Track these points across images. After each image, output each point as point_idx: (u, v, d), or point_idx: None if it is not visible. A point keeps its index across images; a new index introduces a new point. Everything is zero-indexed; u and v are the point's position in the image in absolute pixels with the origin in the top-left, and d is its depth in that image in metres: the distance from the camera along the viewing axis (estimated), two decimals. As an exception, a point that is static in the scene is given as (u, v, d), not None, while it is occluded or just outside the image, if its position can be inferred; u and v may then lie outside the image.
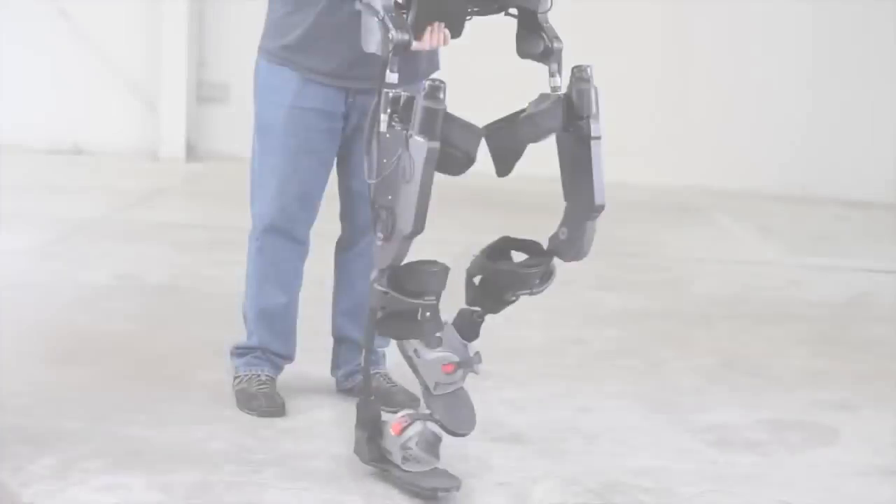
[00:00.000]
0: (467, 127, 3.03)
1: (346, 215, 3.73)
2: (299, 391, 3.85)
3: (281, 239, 3.66)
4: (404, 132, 2.98)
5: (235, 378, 3.77)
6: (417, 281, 3.10)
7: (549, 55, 3.13)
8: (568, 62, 3.14)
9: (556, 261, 3.21)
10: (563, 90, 3.10)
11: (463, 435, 3.19)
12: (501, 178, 3.17)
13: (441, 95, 2.95)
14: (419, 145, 2.94)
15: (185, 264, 5.47)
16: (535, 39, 3.15)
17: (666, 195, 7.97)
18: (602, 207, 3.10)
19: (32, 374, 3.89)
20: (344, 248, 3.78)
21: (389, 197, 3.01)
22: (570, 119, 3.09)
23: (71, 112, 8.41)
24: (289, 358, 3.81)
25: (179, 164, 8.16)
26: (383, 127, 3.03)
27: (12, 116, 8.35)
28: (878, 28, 8.23)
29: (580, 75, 3.07)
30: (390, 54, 3.00)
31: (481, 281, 3.26)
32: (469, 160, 3.04)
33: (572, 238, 3.16)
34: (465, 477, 3.23)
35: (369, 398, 3.20)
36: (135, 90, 8.39)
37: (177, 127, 8.27)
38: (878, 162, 8.28)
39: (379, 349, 3.76)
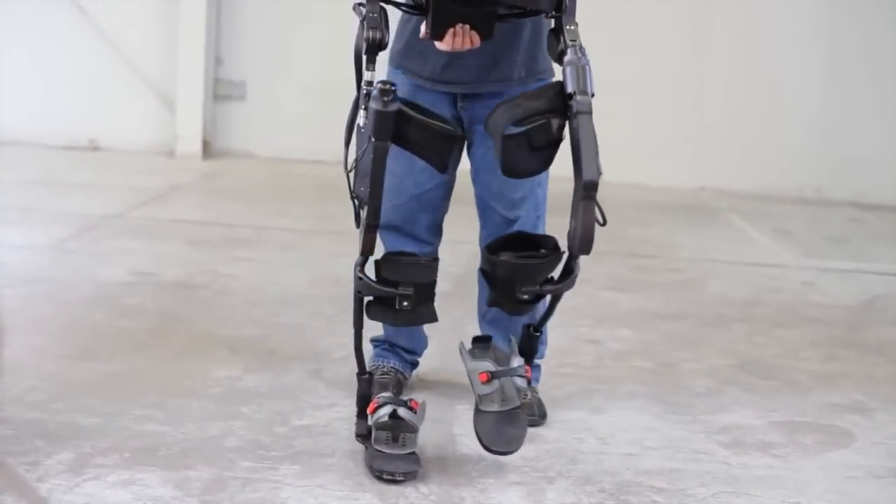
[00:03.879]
0: (438, 133, 3.08)
1: (479, 220, 3.74)
2: (315, 389, 3.86)
3: (399, 237, 3.66)
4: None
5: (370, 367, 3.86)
6: (390, 270, 3.18)
7: (562, 59, 3.10)
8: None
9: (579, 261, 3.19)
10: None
11: (498, 452, 3.28)
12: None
13: (386, 98, 2.98)
14: (372, 144, 3.02)
15: (201, 261, 5.48)
16: (555, 42, 3.14)
17: (680, 197, 7.97)
18: (593, 185, 2.91)
19: (49, 369, 3.91)
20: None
21: (363, 188, 3.09)
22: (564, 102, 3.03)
23: (88, 109, 8.45)
24: (414, 352, 3.86)
25: (196, 161, 8.19)
26: (361, 122, 3.12)
27: (29, 113, 8.40)
28: (892, 30, 8.22)
29: (576, 52, 3.01)
30: (364, 52, 3.07)
31: (487, 275, 3.29)
32: (442, 166, 3.16)
33: (574, 228, 3.03)
34: (479, 476, 3.25)
35: (361, 376, 3.30)
36: (152, 87, 8.42)
37: (193, 124, 8.31)
38: (892, 164, 8.28)
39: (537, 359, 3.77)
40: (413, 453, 3.22)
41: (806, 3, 8.29)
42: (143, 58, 8.41)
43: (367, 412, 3.28)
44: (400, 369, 3.86)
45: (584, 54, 3.02)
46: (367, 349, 3.95)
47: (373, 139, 3.02)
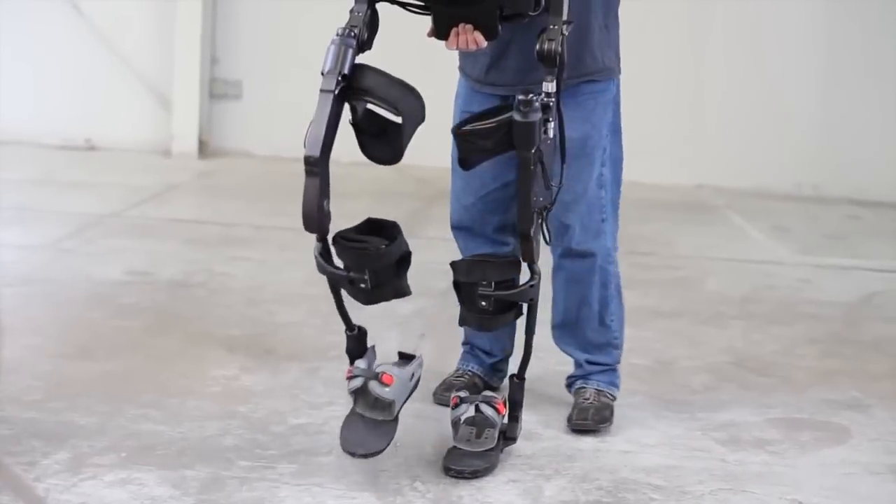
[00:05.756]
0: (398, 83, 3.12)
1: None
2: (312, 387, 3.86)
3: (470, 236, 3.67)
4: None
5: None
6: (341, 253, 3.18)
7: (541, 58, 3.11)
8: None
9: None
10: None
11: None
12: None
13: (339, 33, 3.12)
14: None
15: (197, 260, 5.48)
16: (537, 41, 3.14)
17: (678, 194, 7.97)
18: (525, 235, 3.12)
19: (46, 368, 3.91)
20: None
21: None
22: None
23: (84, 108, 8.43)
24: (491, 354, 3.83)
25: (192, 160, 8.18)
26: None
27: (26, 112, 8.39)
28: (891, 28, 8.22)
29: (520, 108, 3.02)
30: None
31: (456, 288, 3.29)
32: (378, 147, 3.17)
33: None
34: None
35: (348, 332, 3.33)
36: (148, 86, 8.41)
37: (190, 123, 8.29)
38: (890, 161, 8.26)
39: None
40: (389, 422, 3.19)
41: (804, 1, 8.28)
42: (140, 57, 8.39)
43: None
44: (478, 373, 3.84)
45: (532, 106, 3.02)
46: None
47: (322, 74, 3.09)
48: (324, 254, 3.19)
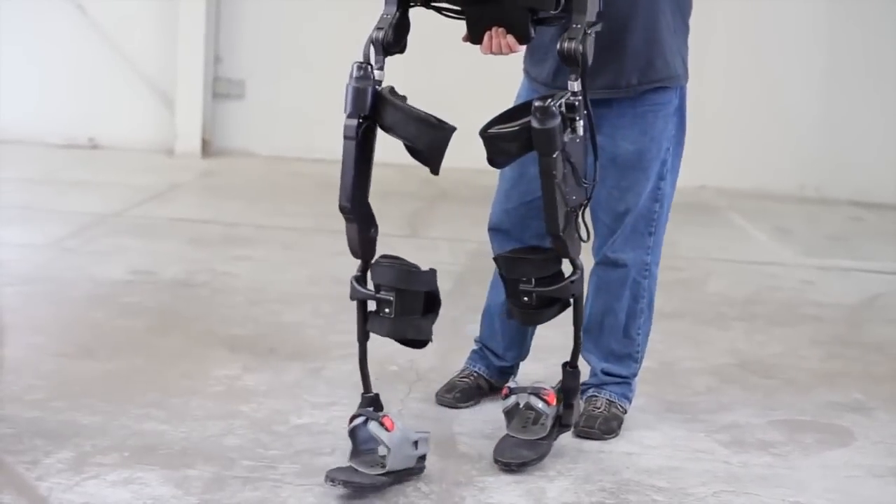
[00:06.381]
0: (414, 118, 3.11)
1: (593, 228, 3.63)
2: (315, 387, 3.86)
3: (507, 240, 3.62)
4: None
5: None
6: (374, 272, 3.19)
7: (561, 57, 3.11)
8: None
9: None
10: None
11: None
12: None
13: (358, 74, 3.08)
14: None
15: (200, 260, 5.48)
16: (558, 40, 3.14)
17: (680, 195, 7.90)
18: (554, 235, 3.11)
19: (48, 368, 3.91)
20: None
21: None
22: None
23: (87, 107, 8.44)
24: (504, 359, 3.81)
25: (195, 159, 8.19)
26: None
27: (29, 111, 8.40)
28: (891, 29, 8.22)
29: (537, 115, 3.01)
30: (371, 50, 3.13)
31: (503, 279, 3.32)
32: (433, 159, 3.17)
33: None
34: (480, 475, 3.25)
35: (365, 394, 3.28)
36: (151, 86, 8.41)
37: (192, 123, 8.30)
38: (892, 163, 8.27)
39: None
40: (380, 475, 3.08)
41: (805, 2, 8.28)
42: (143, 56, 8.40)
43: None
44: (484, 374, 3.82)
45: (550, 112, 3.01)
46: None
47: (345, 114, 3.09)
48: (360, 279, 3.22)
